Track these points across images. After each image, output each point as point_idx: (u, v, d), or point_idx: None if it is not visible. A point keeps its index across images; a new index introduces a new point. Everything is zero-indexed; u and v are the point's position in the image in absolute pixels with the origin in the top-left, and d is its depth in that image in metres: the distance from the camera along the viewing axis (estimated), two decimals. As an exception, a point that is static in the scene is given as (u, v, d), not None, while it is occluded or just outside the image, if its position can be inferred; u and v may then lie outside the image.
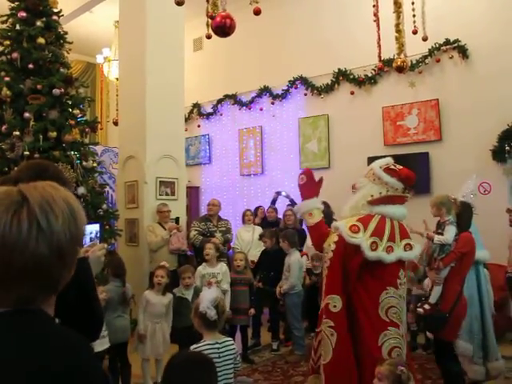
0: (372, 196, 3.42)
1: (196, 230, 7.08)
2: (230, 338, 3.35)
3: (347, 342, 3.25)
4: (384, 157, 7.71)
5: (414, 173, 3.54)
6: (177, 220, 6.92)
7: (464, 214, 4.65)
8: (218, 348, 3.13)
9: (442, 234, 4.51)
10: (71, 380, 1.01)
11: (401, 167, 3.54)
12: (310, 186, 3.82)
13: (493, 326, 5.11)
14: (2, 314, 1.06)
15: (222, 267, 5.87)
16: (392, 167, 3.48)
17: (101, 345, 4.27)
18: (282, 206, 8.28)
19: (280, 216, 7.94)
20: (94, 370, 1.09)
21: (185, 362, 2.44)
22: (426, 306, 4.41)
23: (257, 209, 8.34)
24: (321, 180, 3.91)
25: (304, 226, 7.66)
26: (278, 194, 8.45)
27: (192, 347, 3.11)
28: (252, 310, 5.99)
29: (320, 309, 3.48)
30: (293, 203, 8.09)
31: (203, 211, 10.42)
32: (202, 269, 5.83)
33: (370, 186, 3.49)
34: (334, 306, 3.25)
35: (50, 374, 1.00)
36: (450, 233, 4.45)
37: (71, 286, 1.17)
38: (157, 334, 5.01)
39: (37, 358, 1.01)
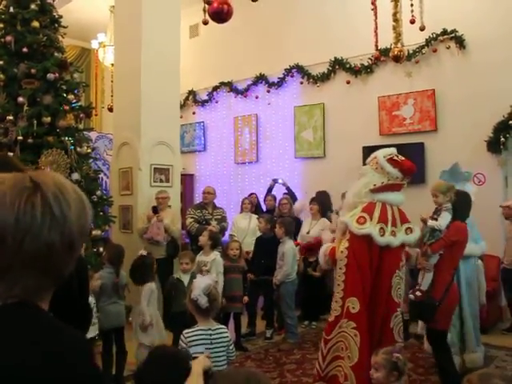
0: (375, 185, 3.56)
1: (192, 218, 7.08)
2: (223, 326, 3.37)
3: (368, 340, 3.36)
4: (380, 146, 7.71)
5: (414, 164, 3.70)
6: (154, 209, 6.87)
7: (460, 203, 4.55)
8: (211, 334, 3.15)
9: (436, 219, 4.45)
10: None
11: (403, 158, 3.69)
12: None
13: (478, 317, 5.11)
14: (6, 306, 1.03)
15: (213, 256, 5.78)
16: (395, 158, 3.63)
17: (91, 331, 4.30)
18: (277, 193, 8.26)
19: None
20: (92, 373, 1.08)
21: (156, 358, 2.43)
22: (418, 293, 4.39)
23: (250, 195, 8.31)
24: None
25: (300, 216, 7.66)
26: (275, 181, 8.43)
27: (184, 332, 3.14)
28: (246, 298, 5.99)
29: (330, 314, 3.61)
30: (289, 191, 8.08)
31: (197, 199, 10.40)
32: (198, 256, 5.87)
33: (371, 174, 3.64)
34: (353, 308, 3.39)
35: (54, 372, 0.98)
36: (445, 219, 4.40)
37: (73, 283, 1.14)
38: (159, 320, 5.05)
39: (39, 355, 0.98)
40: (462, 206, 4.55)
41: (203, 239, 5.88)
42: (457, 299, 4.53)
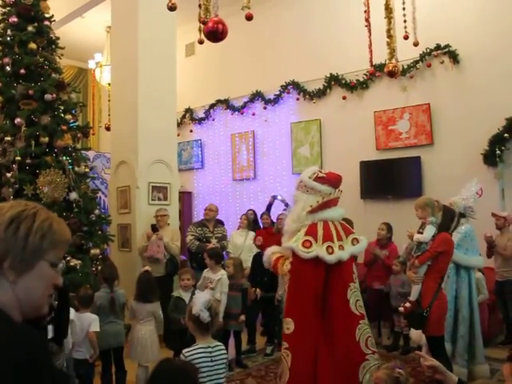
0: (311, 206, 3.61)
1: (192, 235, 7.06)
2: (220, 343, 3.36)
3: (302, 360, 3.38)
4: (377, 161, 7.82)
5: (339, 174, 3.79)
6: (153, 227, 6.88)
7: (444, 216, 4.88)
8: (211, 352, 3.14)
9: (422, 233, 4.77)
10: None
11: (327, 172, 3.81)
12: (266, 242, 4.30)
13: (481, 329, 5.20)
14: None
15: (219, 276, 5.73)
16: (320, 175, 3.70)
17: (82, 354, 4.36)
18: (277, 210, 8.24)
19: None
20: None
21: (168, 370, 2.40)
22: (407, 304, 4.72)
23: (247, 211, 8.30)
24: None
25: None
26: (274, 198, 8.42)
27: (184, 351, 3.11)
28: (242, 317, 5.89)
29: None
30: (288, 207, 8.06)
31: (196, 216, 10.42)
32: (206, 272, 5.87)
33: (305, 197, 3.69)
34: (287, 329, 3.44)
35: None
36: (429, 232, 4.69)
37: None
38: (154, 338, 5.07)
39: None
40: (445, 218, 4.88)
41: (206, 261, 5.87)
42: (445, 306, 4.73)
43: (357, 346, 3.42)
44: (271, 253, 4.00)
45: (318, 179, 3.67)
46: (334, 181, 3.70)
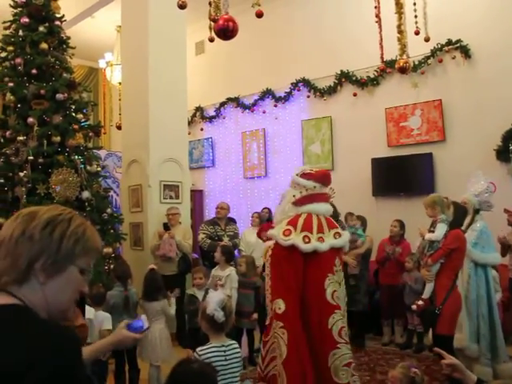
0: (294, 196, 3.73)
1: (204, 234, 7.07)
2: (235, 342, 3.36)
3: (298, 337, 3.45)
4: (388, 158, 7.79)
5: (327, 171, 3.94)
6: (165, 226, 6.89)
7: (456, 213, 4.84)
8: (225, 351, 3.14)
9: (433, 231, 4.78)
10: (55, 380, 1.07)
11: (317, 169, 3.90)
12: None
13: (501, 327, 5.14)
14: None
15: (228, 272, 5.77)
16: (307, 171, 3.81)
17: None
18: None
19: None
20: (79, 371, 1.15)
21: (186, 373, 2.37)
22: (420, 302, 4.76)
23: (262, 210, 8.30)
24: None
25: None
26: None
27: (198, 349, 3.10)
28: (255, 315, 5.89)
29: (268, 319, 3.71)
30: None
31: (207, 214, 10.42)
32: (214, 270, 5.90)
33: (291, 192, 3.81)
34: (279, 308, 3.49)
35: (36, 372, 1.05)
36: (440, 230, 4.71)
37: None
38: (165, 337, 5.07)
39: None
40: (456, 215, 4.84)
41: (217, 255, 5.90)
42: (459, 304, 4.69)
43: (329, 333, 3.49)
44: (267, 246, 4.08)
45: (303, 175, 3.79)
46: (319, 176, 3.80)
